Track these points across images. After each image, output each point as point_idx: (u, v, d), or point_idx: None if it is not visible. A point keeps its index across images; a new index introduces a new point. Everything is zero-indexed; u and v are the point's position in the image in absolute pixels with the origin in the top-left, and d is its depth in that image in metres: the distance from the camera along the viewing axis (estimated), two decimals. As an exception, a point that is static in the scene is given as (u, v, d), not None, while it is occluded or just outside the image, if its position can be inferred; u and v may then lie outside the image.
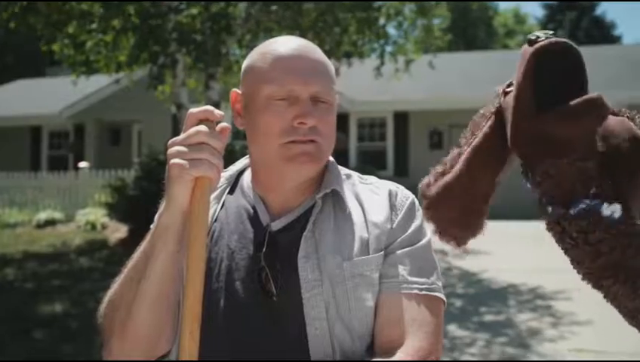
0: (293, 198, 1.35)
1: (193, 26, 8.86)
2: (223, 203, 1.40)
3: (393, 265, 1.28)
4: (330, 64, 1.36)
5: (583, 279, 1.05)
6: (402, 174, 15.77)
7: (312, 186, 1.35)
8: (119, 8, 9.03)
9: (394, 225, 1.32)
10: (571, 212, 1.02)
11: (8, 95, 21.60)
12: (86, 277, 8.60)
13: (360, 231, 1.31)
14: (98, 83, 16.48)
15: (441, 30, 11.68)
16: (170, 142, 1.19)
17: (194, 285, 1.13)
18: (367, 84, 14.67)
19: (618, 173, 1.01)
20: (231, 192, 1.42)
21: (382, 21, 10.94)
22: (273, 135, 1.27)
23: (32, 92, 21.28)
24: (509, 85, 1.16)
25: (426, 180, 1.20)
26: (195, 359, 1.12)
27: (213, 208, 1.38)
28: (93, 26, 9.80)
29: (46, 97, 19.91)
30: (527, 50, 1.08)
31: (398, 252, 1.30)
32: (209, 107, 1.19)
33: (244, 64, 1.38)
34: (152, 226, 1.27)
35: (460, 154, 1.18)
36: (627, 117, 1.05)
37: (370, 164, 15.79)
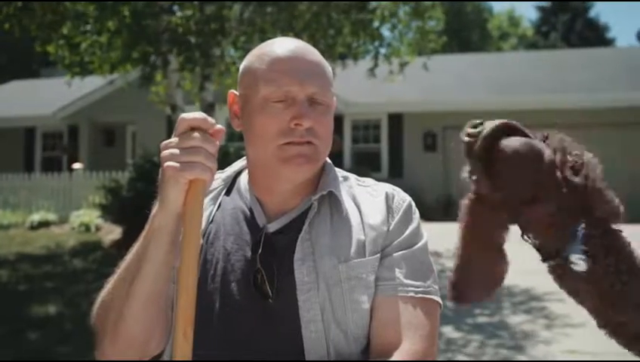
0: (290, 200, 1.35)
1: (187, 28, 8.85)
2: (220, 204, 1.40)
3: (389, 268, 1.29)
4: (327, 66, 1.36)
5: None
6: (396, 176, 15.79)
7: (309, 188, 1.35)
8: (114, 9, 9.01)
9: (390, 228, 1.32)
10: (546, 263, 1.12)
11: (2, 96, 21.52)
12: (80, 278, 8.57)
13: (356, 233, 1.31)
14: (92, 84, 16.44)
15: (436, 32, 11.67)
16: (163, 144, 1.18)
17: (187, 287, 1.13)
18: (361, 86, 14.67)
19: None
20: (227, 194, 1.42)
21: (376, 23, 10.94)
22: (270, 136, 1.27)
23: (26, 93, 21.20)
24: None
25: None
26: (189, 360, 1.12)
27: (210, 209, 1.39)
28: (88, 27, 9.78)
29: (40, 98, 19.84)
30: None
31: (395, 254, 1.30)
32: (202, 115, 1.18)
33: (242, 65, 1.38)
34: (145, 228, 1.27)
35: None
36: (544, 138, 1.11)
37: (365, 165, 15.80)
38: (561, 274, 1.11)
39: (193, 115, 1.18)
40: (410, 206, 1.37)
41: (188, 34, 8.86)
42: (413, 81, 13.73)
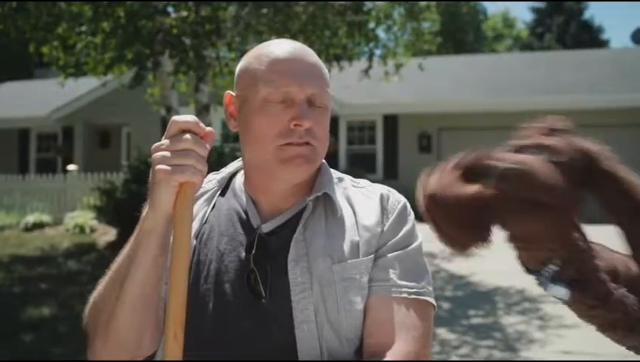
0: (285, 201, 1.35)
1: (182, 29, 8.84)
2: (214, 205, 1.40)
3: (383, 269, 1.28)
4: (324, 67, 1.37)
5: None
6: (391, 177, 15.81)
7: (304, 189, 1.35)
8: (109, 10, 8.99)
9: (385, 229, 1.32)
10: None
11: (-4, 97, 21.49)
12: (74, 280, 8.55)
13: (351, 234, 1.31)
14: (87, 86, 16.42)
15: (431, 34, 11.68)
16: (154, 146, 1.18)
17: (178, 288, 1.14)
18: (356, 88, 14.69)
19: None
20: (222, 195, 1.42)
21: (371, 24, 10.95)
22: (269, 137, 1.28)
23: (20, 94, 21.17)
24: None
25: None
26: (180, 361, 1.12)
27: (204, 210, 1.39)
28: (83, 28, 9.76)
29: (34, 100, 19.82)
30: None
31: (389, 255, 1.30)
32: (193, 118, 1.18)
33: (239, 66, 1.38)
34: (135, 230, 1.27)
35: None
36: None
37: (360, 166, 15.82)
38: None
39: (184, 117, 1.18)
40: (404, 207, 1.37)
41: (183, 35, 8.84)
42: (408, 82, 13.75)
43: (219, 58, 9.77)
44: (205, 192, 1.42)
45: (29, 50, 10.24)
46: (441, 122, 15.97)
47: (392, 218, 1.34)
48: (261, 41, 1.46)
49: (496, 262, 9.40)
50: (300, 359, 1.23)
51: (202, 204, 1.40)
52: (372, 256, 1.29)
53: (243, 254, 1.30)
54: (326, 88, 1.34)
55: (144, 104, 12.82)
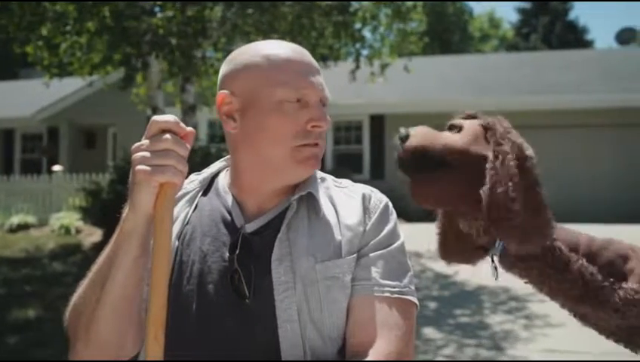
0: (269, 200, 1.35)
1: (168, 29, 8.81)
2: (197, 205, 1.39)
3: (365, 268, 1.29)
4: None
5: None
6: (378, 177, 15.82)
7: (289, 189, 1.35)
8: (94, 10, 8.94)
9: (367, 228, 1.33)
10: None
11: (-20, 97, 21.30)
12: (59, 281, 8.50)
13: (333, 233, 1.31)
14: (72, 86, 16.31)
15: (417, 34, 11.71)
16: (134, 147, 1.17)
17: (158, 290, 1.14)
18: (343, 88, 14.69)
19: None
20: (204, 195, 1.41)
21: (358, 25, 10.96)
22: (285, 137, 1.27)
23: (4, 94, 20.99)
24: None
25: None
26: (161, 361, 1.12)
27: (186, 211, 1.38)
28: (68, 27, 9.70)
29: (19, 100, 19.65)
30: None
31: (371, 255, 1.30)
32: (173, 118, 1.17)
33: (241, 65, 1.33)
34: (116, 231, 1.26)
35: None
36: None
37: (347, 167, 15.82)
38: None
39: (164, 117, 1.17)
40: (386, 206, 1.37)
41: (169, 35, 8.81)
42: (394, 82, 13.77)
43: (205, 58, 9.75)
44: (187, 193, 1.41)
45: (13, 50, 10.16)
46: (428, 122, 15.70)
47: (374, 217, 1.34)
48: (248, 41, 1.45)
49: (482, 261, 9.44)
50: (283, 358, 1.23)
51: (184, 204, 1.39)
52: (355, 255, 1.30)
53: (226, 254, 1.29)
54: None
55: (130, 104, 12.75)
